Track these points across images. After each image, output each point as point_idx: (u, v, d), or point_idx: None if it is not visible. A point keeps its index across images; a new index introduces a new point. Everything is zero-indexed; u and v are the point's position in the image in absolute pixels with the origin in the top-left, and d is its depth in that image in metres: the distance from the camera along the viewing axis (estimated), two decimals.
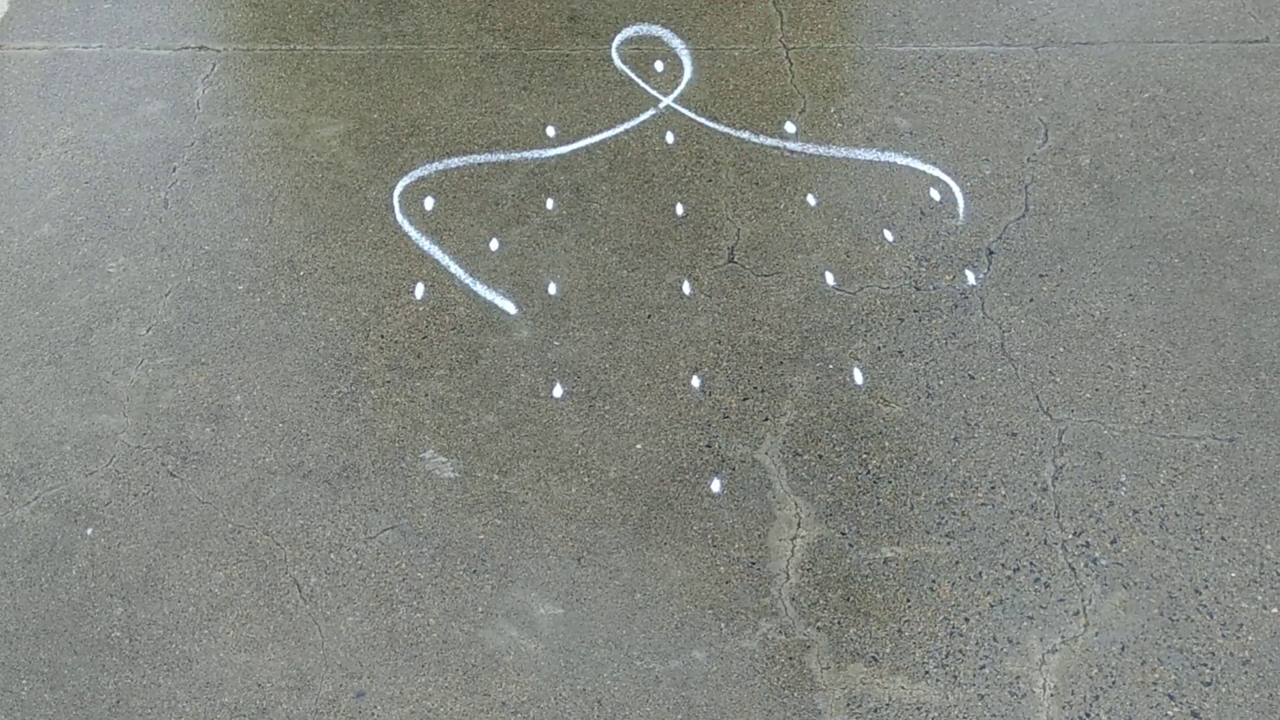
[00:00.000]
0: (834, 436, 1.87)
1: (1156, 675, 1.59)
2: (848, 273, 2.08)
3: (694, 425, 1.89)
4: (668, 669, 1.65)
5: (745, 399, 1.92)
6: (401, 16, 2.63)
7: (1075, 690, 1.59)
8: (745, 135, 2.32)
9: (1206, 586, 1.67)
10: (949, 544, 1.74)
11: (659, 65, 2.47)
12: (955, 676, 1.61)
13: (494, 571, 1.76)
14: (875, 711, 1.59)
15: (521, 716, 1.62)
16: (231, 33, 2.62)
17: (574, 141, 2.34)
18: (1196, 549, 1.70)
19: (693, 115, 2.36)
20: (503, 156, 2.33)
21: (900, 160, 2.24)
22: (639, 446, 1.88)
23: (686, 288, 2.08)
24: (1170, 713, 1.56)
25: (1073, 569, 1.70)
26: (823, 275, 2.08)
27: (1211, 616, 1.64)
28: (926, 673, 1.62)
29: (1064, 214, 2.14)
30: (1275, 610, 1.64)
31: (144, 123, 2.44)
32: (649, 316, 2.05)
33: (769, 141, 2.31)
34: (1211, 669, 1.59)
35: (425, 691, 1.65)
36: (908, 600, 1.69)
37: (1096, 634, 1.64)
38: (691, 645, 1.67)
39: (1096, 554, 1.71)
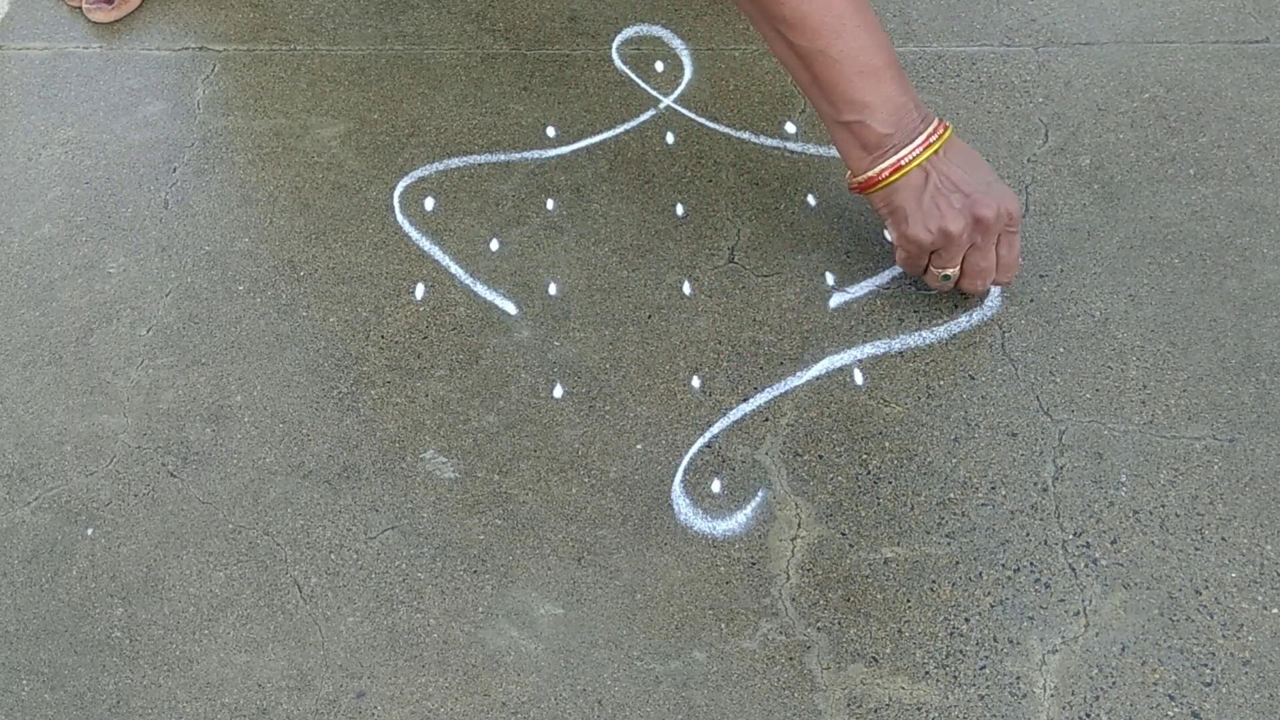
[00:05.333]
0: (834, 436, 1.86)
1: (1157, 675, 1.59)
2: (848, 272, 2.08)
3: (694, 425, 1.89)
4: (668, 669, 1.65)
5: (745, 399, 1.92)
6: (402, 17, 2.63)
7: (1075, 690, 1.59)
8: (746, 135, 2.32)
9: (1207, 587, 1.66)
10: (949, 544, 1.73)
11: (659, 65, 2.47)
12: (955, 677, 1.61)
13: (494, 571, 1.76)
14: (875, 712, 1.59)
15: (521, 716, 1.62)
16: (231, 33, 2.62)
17: (574, 142, 2.34)
18: (1197, 549, 1.70)
19: (693, 115, 2.36)
20: (503, 157, 2.33)
21: None
22: (639, 447, 1.88)
23: (687, 288, 2.08)
24: (1170, 713, 1.56)
25: (1073, 569, 1.70)
26: (823, 275, 2.08)
27: (1212, 617, 1.64)
28: (927, 673, 1.62)
29: (1064, 214, 2.14)
30: (1276, 610, 1.64)
31: (144, 123, 2.44)
32: (649, 316, 2.05)
33: (769, 142, 2.31)
34: (1212, 669, 1.59)
35: (425, 692, 1.65)
36: (908, 600, 1.68)
37: (1097, 634, 1.63)
38: (692, 645, 1.67)
39: (1097, 554, 1.71)
